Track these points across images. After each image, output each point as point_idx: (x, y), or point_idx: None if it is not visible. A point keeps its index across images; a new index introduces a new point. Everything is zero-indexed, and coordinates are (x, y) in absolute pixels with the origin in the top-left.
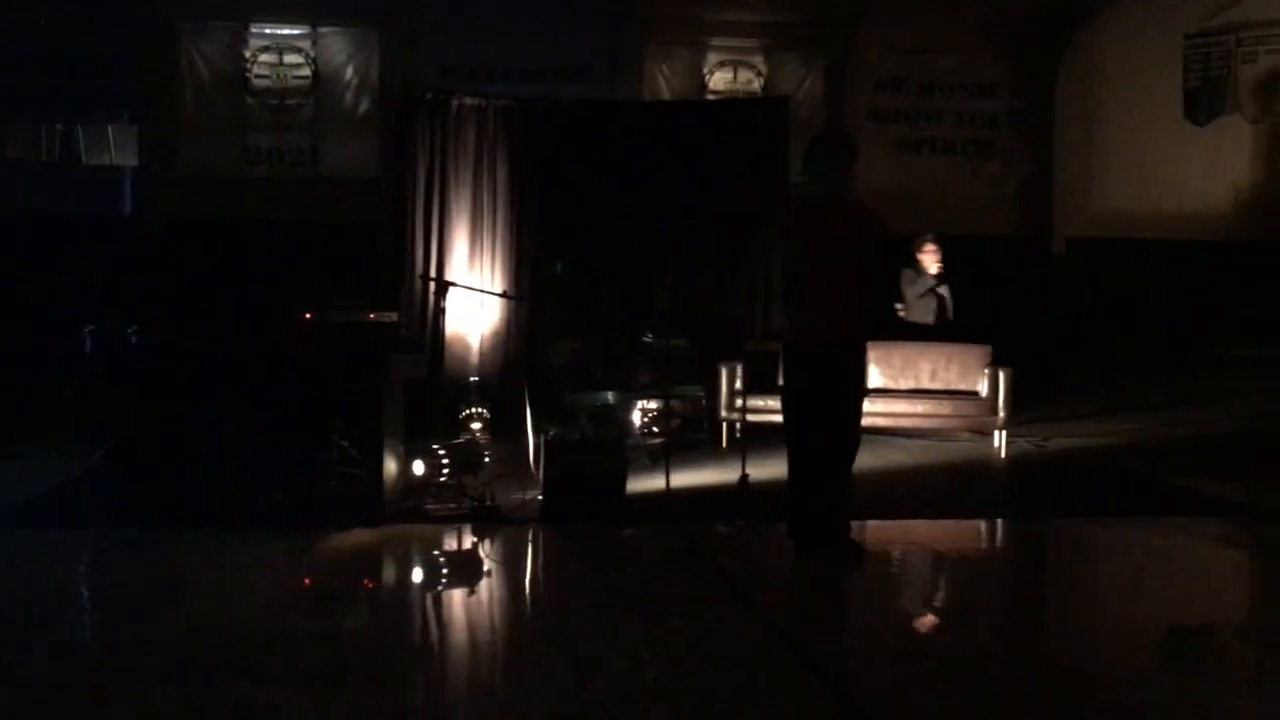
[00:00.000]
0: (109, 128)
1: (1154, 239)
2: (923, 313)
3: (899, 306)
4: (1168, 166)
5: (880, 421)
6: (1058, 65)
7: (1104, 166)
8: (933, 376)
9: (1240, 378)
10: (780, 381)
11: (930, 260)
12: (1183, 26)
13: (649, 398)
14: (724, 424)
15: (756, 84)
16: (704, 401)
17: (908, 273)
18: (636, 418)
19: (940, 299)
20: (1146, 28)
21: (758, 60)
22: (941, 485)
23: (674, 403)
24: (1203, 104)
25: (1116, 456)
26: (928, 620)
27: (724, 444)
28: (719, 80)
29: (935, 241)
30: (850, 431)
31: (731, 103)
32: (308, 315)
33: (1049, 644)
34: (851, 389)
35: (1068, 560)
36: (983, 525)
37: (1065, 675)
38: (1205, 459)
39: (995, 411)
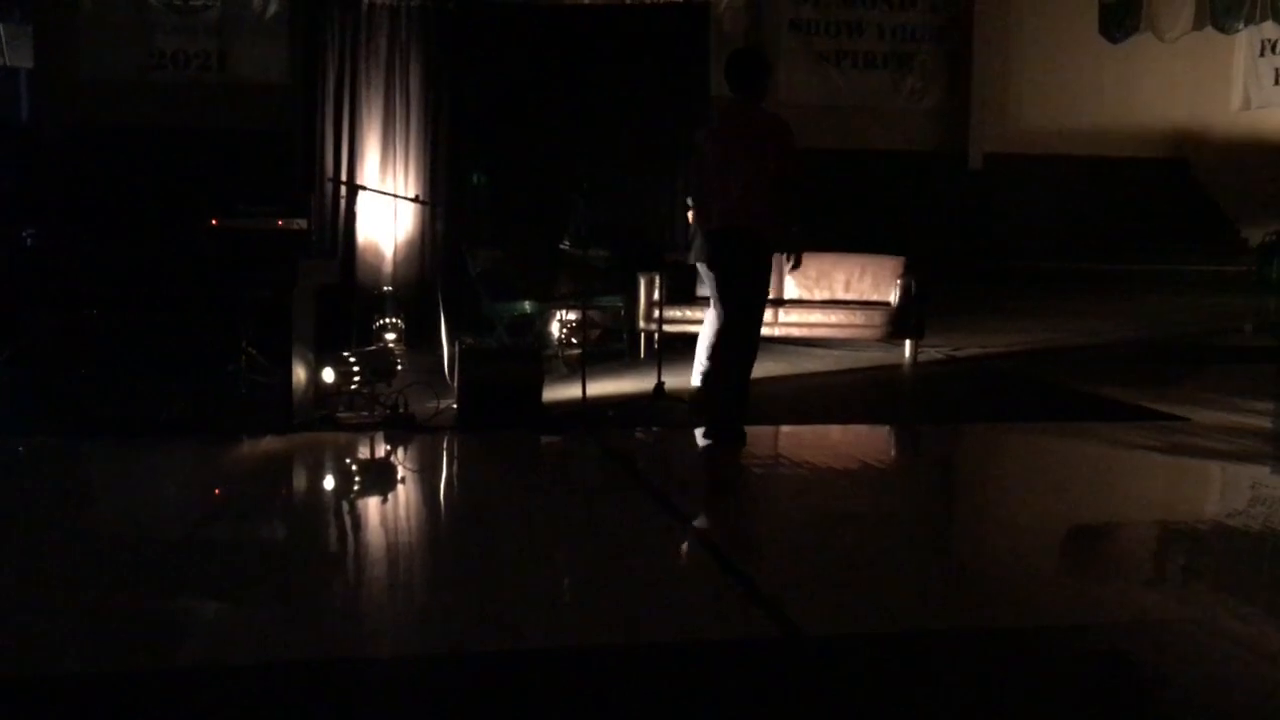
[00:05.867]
0: (1, 26)
1: (1070, 154)
2: None
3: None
4: (1083, 84)
5: (795, 331)
6: None
7: (1021, 83)
8: (847, 287)
9: (1151, 289)
10: (751, 280)
11: None
12: None
13: (568, 308)
14: (643, 334)
15: None
16: (623, 312)
17: None
18: (555, 328)
19: None
20: None
21: None
22: (853, 392)
23: (593, 313)
24: (1116, 21)
25: (1024, 364)
26: (835, 518)
27: (642, 354)
28: None
29: None
30: None
31: (651, 8)
32: (214, 221)
33: (953, 540)
34: None
35: (972, 463)
36: (890, 430)
37: (965, 568)
38: (1112, 367)
39: (907, 321)
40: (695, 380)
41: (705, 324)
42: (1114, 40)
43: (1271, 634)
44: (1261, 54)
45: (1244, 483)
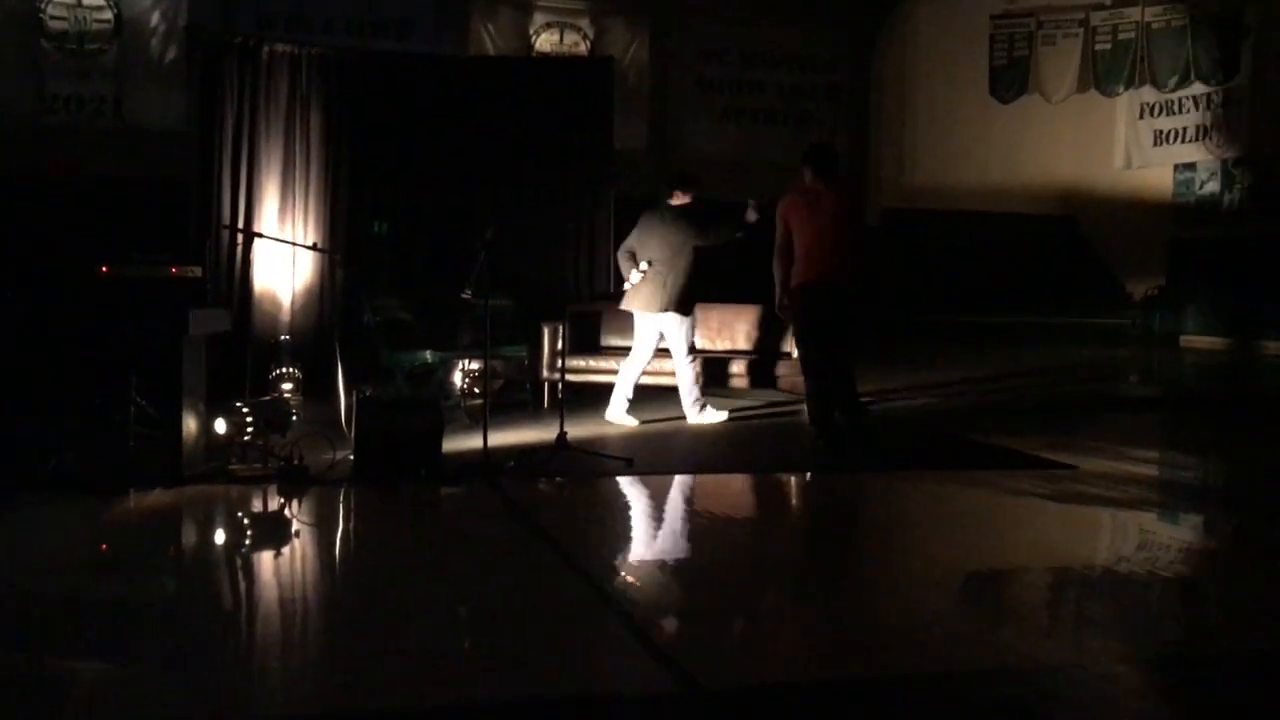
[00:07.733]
0: None
1: (964, 210)
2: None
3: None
4: (974, 142)
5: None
6: (874, 41)
7: (917, 141)
8: (749, 339)
9: (1041, 342)
10: (835, 323)
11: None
12: (989, 8)
13: (470, 358)
14: (546, 384)
15: (583, 47)
16: (526, 362)
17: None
18: (457, 378)
19: None
20: (957, 8)
21: (584, 23)
22: (753, 440)
23: (496, 363)
24: (1006, 83)
25: (918, 414)
26: (734, 568)
27: (546, 404)
28: (545, 42)
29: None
30: None
31: (555, 61)
32: (104, 269)
33: (850, 589)
34: None
35: (867, 511)
36: (789, 479)
37: (862, 617)
38: (1003, 417)
39: None
40: (619, 416)
41: (630, 363)
42: (1004, 101)
43: (1154, 678)
44: (1141, 116)
45: (1129, 529)
